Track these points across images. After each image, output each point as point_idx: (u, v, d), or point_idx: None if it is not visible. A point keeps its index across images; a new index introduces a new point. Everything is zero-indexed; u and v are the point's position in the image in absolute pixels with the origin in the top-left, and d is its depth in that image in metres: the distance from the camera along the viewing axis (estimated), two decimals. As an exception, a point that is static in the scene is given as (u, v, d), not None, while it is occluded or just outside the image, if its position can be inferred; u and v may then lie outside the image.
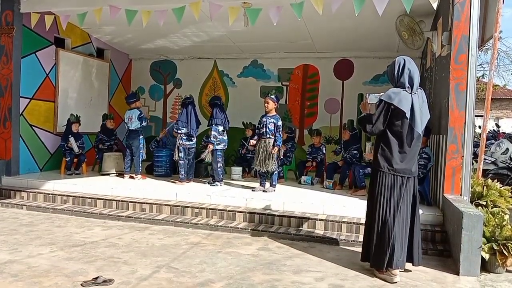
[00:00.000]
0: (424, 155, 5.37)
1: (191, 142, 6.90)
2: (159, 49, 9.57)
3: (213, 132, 6.68)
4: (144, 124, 7.30)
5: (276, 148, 6.18)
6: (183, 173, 6.84)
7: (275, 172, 6.28)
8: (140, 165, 7.34)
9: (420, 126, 3.57)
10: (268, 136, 6.20)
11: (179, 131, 6.83)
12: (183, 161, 6.83)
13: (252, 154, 7.65)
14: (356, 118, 9.01)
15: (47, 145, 7.87)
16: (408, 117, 3.53)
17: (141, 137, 7.36)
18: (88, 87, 8.86)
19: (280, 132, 6.28)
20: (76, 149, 7.54)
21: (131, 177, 7.27)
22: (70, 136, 7.51)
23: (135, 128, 7.25)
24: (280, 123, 6.24)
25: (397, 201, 3.59)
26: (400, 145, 3.60)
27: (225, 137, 6.89)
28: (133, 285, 3.40)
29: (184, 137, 6.83)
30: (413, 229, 3.72)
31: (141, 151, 7.32)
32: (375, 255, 3.64)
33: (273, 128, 6.20)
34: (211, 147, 6.69)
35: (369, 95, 3.87)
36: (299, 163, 7.66)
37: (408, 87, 3.59)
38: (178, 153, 6.84)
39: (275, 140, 6.20)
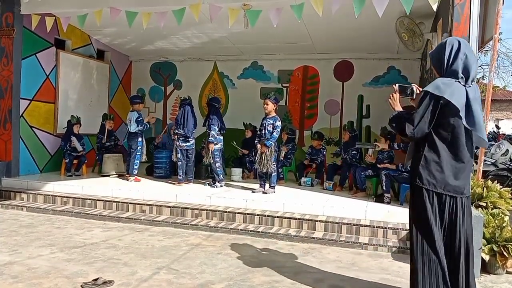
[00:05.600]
0: None
1: (187, 144, 6.89)
2: (159, 51, 9.59)
3: (212, 132, 6.71)
4: (140, 128, 7.11)
5: (264, 147, 6.07)
6: (181, 174, 6.88)
7: (273, 174, 6.26)
8: (136, 167, 7.18)
9: (481, 129, 2.66)
10: (266, 137, 6.17)
11: (176, 132, 6.90)
12: (180, 162, 6.86)
13: (250, 157, 7.67)
14: (356, 119, 9.02)
15: (47, 146, 7.88)
16: (464, 116, 2.60)
17: (139, 139, 7.22)
18: (88, 88, 8.87)
19: (277, 132, 6.14)
20: (79, 148, 7.58)
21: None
22: (72, 136, 7.53)
23: (135, 131, 7.17)
24: (278, 123, 6.17)
25: (446, 228, 2.76)
26: (453, 155, 2.68)
27: (221, 137, 6.92)
28: (133, 286, 3.40)
29: (181, 139, 6.85)
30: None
31: (138, 153, 7.19)
32: None
33: (271, 129, 6.18)
34: (212, 146, 6.71)
35: (398, 85, 2.98)
36: (299, 165, 7.66)
37: (462, 78, 2.66)
38: (176, 154, 6.89)
39: (267, 139, 6.10)
